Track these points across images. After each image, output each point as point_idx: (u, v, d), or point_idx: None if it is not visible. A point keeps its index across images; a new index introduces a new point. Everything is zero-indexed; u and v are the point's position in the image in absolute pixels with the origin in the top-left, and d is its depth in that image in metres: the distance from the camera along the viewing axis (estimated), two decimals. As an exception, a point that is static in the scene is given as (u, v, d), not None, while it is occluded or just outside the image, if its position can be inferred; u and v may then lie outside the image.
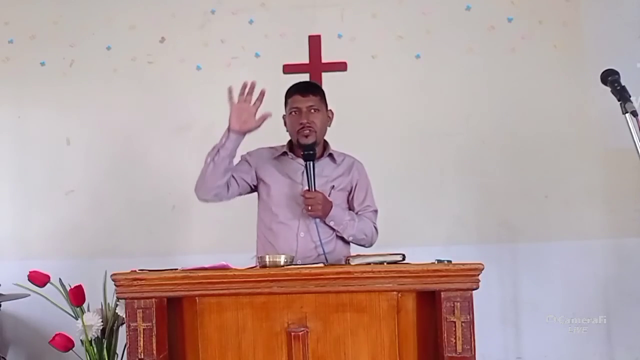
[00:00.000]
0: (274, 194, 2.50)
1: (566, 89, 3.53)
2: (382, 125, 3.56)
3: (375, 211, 2.59)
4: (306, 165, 2.38)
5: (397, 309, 1.82)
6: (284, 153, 2.55)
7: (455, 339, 1.75)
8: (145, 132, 3.65)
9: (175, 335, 1.89)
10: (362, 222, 2.50)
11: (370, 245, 2.53)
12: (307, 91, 2.50)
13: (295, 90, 2.52)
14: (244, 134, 2.34)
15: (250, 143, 2.60)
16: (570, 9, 3.57)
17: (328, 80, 3.51)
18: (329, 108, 2.56)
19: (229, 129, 2.33)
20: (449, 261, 1.85)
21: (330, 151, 2.57)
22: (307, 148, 2.40)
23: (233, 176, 2.47)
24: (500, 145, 3.54)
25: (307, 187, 2.39)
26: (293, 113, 2.48)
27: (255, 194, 2.61)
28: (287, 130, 2.55)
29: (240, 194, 2.55)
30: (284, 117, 2.56)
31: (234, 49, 3.65)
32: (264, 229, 2.53)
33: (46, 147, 3.68)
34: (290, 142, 2.57)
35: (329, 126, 2.57)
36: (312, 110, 2.47)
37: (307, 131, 2.44)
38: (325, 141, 2.58)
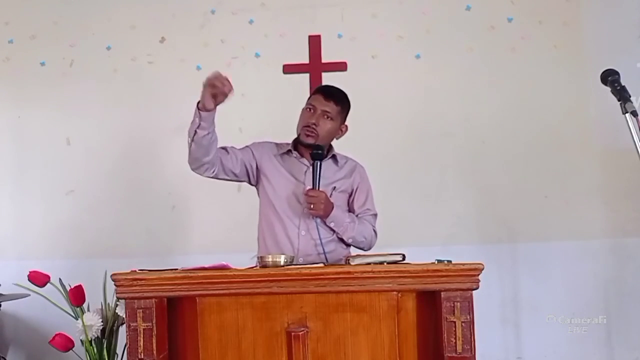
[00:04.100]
0: (277, 191, 2.51)
1: (566, 89, 3.53)
2: (382, 126, 3.56)
3: (375, 215, 2.59)
4: (313, 164, 2.39)
5: (397, 309, 1.82)
6: (289, 151, 2.55)
7: (455, 339, 1.75)
8: (145, 132, 3.65)
9: (175, 335, 1.89)
10: (362, 225, 2.50)
11: (369, 249, 2.53)
12: (330, 96, 2.50)
13: (320, 91, 2.55)
14: (214, 108, 2.25)
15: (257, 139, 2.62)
16: (570, 9, 3.57)
17: (328, 80, 3.50)
18: (345, 123, 2.56)
19: (199, 109, 2.23)
20: (449, 261, 1.85)
21: (334, 153, 2.58)
22: (314, 147, 2.41)
23: (233, 153, 2.47)
24: (500, 145, 3.54)
25: (309, 186, 2.40)
26: (308, 109, 2.50)
27: (252, 187, 2.61)
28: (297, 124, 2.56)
29: (234, 174, 2.50)
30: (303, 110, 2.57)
31: (234, 49, 3.65)
32: (265, 226, 2.53)
33: (46, 147, 3.68)
34: (294, 141, 2.57)
35: (337, 139, 2.58)
36: (325, 116, 2.47)
37: (310, 132, 2.45)
38: (329, 144, 2.58)
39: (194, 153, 2.34)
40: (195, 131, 2.27)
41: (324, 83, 3.43)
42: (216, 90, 2.19)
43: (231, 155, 2.47)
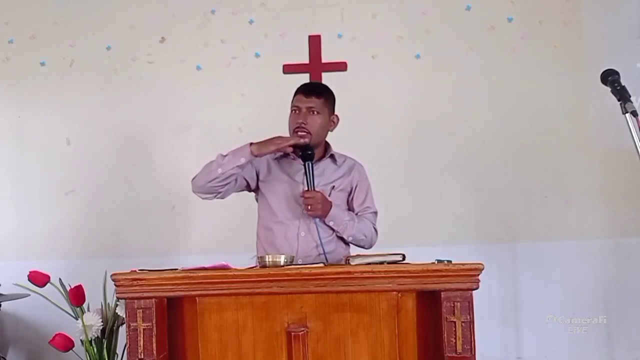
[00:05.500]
0: (275, 194, 2.51)
1: (566, 89, 3.53)
2: (382, 125, 3.56)
3: (375, 213, 2.59)
4: (305, 165, 2.39)
5: (397, 309, 1.82)
6: (286, 154, 2.55)
7: (455, 339, 1.75)
8: (145, 132, 3.65)
9: (175, 335, 1.89)
10: (362, 223, 2.50)
11: (370, 247, 2.53)
12: (310, 92, 2.50)
13: (300, 90, 2.54)
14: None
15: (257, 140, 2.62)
16: (570, 9, 3.57)
17: (328, 80, 3.49)
18: (334, 113, 2.56)
19: (253, 153, 2.36)
20: (449, 261, 1.85)
21: (332, 152, 2.58)
22: (305, 148, 2.41)
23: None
24: (500, 145, 3.54)
25: (307, 187, 2.40)
26: (293, 111, 2.50)
27: (251, 193, 2.62)
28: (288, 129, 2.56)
29: (235, 191, 2.56)
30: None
31: (234, 49, 3.65)
32: (264, 229, 2.53)
33: (46, 147, 3.68)
34: None
35: (331, 131, 2.57)
36: (312, 112, 2.47)
37: (301, 132, 2.45)
38: (327, 143, 2.59)
39: (213, 182, 2.39)
40: (232, 168, 2.36)
41: (323, 83, 3.43)
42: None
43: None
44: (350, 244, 2.54)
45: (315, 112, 2.47)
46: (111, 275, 1.84)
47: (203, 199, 2.50)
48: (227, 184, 2.42)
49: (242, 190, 2.59)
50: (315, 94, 2.50)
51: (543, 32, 3.57)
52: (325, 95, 2.54)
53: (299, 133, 2.45)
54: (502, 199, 3.52)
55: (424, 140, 3.56)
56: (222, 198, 2.52)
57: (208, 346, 1.84)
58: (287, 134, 2.57)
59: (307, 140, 2.43)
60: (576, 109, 3.52)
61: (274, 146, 2.37)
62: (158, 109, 3.64)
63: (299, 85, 2.58)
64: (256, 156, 2.37)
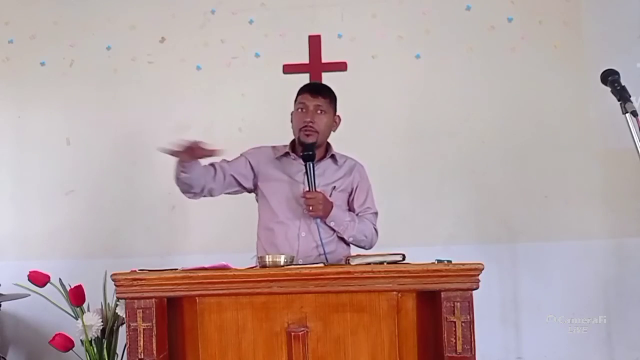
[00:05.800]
0: (275, 194, 2.51)
1: (566, 89, 3.53)
2: (383, 125, 3.56)
3: (376, 213, 2.59)
4: (306, 165, 2.39)
5: (397, 309, 1.82)
6: (287, 154, 2.55)
7: (455, 339, 1.75)
8: (145, 132, 3.64)
9: (175, 335, 1.89)
10: (362, 223, 2.51)
11: (370, 247, 2.53)
12: (317, 92, 2.52)
13: (306, 89, 2.55)
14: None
15: (253, 142, 2.62)
16: (570, 9, 3.57)
17: (328, 80, 3.49)
18: (336, 114, 2.57)
19: (181, 162, 2.32)
20: (449, 261, 1.85)
21: (333, 153, 2.58)
22: (306, 149, 2.41)
23: (221, 171, 2.48)
24: (500, 145, 3.54)
25: (307, 188, 2.40)
26: (299, 110, 2.50)
27: (251, 193, 2.62)
28: (292, 128, 2.56)
29: (226, 192, 2.56)
30: (292, 114, 2.57)
31: (234, 49, 3.65)
32: (264, 229, 2.53)
33: (46, 147, 3.68)
34: (292, 142, 2.57)
35: (334, 131, 2.58)
36: (319, 111, 2.48)
37: (309, 130, 2.45)
38: (328, 143, 2.59)
39: (180, 186, 2.43)
40: (178, 178, 2.37)
41: (324, 83, 3.44)
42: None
43: (218, 176, 2.48)
44: (351, 245, 2.54)
45: (322, 112, 2.49)
46: (111, 275, 1.84)
47: (189, 198, 2.50)
48: (195, 186, 2.41)
49: (238, 190, 2.58)
50: (321, 93, 2.52)
51: (543, 32, 3.57)
52: (330, 95, 2.56)
53: (306, 132, 2.45)
54: (502, 199, 3.52)
55: (424, 140, 3.56)
56: (212, 196, 2.53)
57: (208, 346, 1.84)
58: (287, 134, 2.58)
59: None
60: (576, 109, 3.52)
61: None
62: (158, 109, 3.64)
63: (302, 85, 2.59)
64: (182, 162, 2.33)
